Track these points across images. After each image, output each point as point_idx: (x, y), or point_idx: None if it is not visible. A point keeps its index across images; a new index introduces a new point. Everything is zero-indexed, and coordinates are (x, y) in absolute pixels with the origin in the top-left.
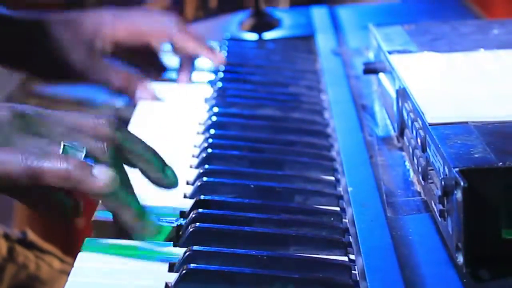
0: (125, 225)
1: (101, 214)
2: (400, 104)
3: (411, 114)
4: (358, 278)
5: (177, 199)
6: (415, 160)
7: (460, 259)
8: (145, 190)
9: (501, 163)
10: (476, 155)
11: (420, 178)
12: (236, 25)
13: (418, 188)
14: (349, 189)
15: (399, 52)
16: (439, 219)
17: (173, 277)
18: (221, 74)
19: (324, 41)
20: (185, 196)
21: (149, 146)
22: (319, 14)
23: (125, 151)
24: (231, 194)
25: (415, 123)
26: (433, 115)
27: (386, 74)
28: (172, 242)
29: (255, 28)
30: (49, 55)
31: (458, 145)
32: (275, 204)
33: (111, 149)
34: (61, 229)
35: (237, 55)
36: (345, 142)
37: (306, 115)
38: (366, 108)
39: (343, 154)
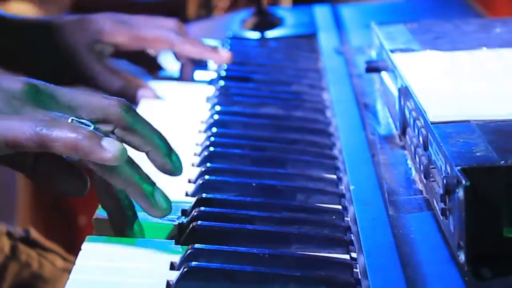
0: (138, 202)
1: (103, 212)
2: (402, 102)
3: (413, 113)
4: (359, 277)
5: (179, 197)
6: (417, 159)
7: (462, 257)
8: None
9: (503, 161)
10: (478, 154)
11: (422, 176)
12: (239, 23)
13: (420, 186)
14: (351, 187)
15: (401, 50)
16: (441, 217)
17: (174, 275)
18: (223, 73)
19: (326, 40)
20: (187, 194)
21: (157, 130)
22: (321, 12)
23: (133, 133)
24: (233, 192)
25: (417, 121)
26: (435, 114)
27: (389, 73)
28: (173, 240)
29: (258, 27)
30: (50, 58)
31: (460, 143)
32: (277, 202)
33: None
34: (64, 227)
35: (240, 53)
36: (347, 140)
37: (308, 113)
38: (368, 106)
39: (345, 152)
